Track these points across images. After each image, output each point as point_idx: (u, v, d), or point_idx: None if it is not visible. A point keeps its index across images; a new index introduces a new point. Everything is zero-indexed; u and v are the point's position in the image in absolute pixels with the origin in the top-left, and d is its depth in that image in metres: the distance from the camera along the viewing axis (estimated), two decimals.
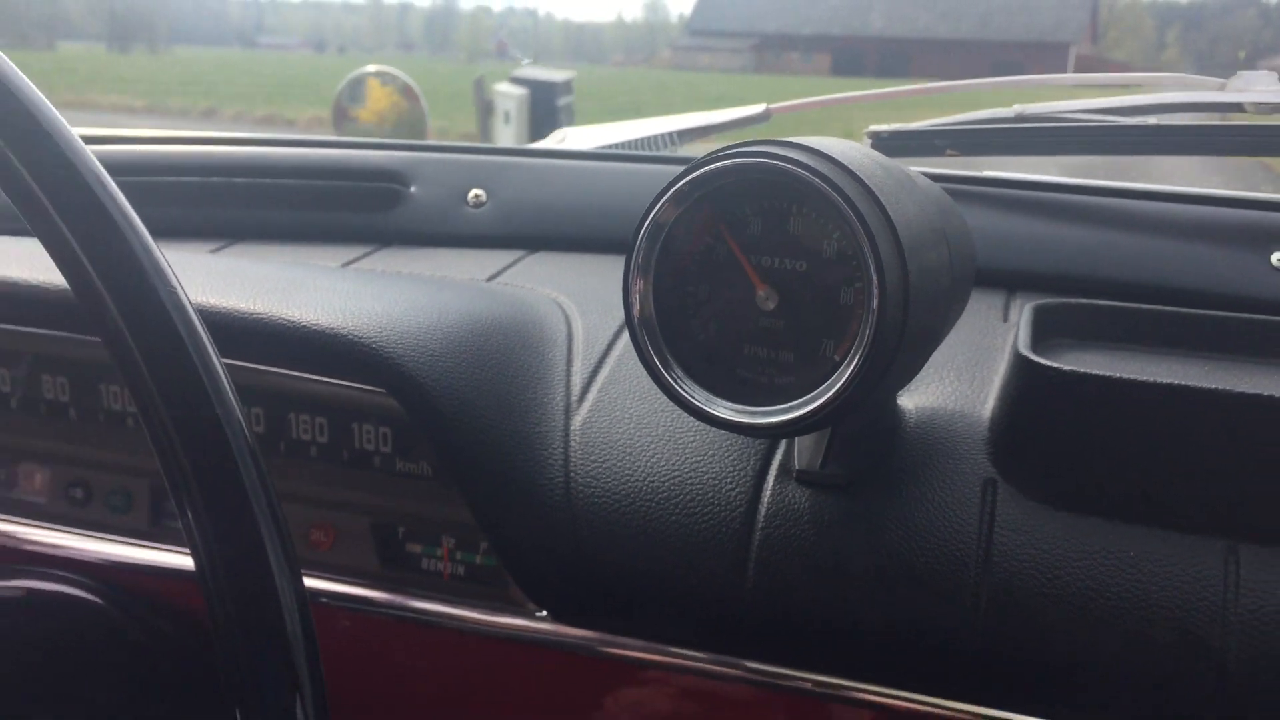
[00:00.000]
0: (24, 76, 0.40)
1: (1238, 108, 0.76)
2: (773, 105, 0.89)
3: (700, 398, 0.50)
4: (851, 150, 0.49)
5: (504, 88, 4.19)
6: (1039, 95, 0.80)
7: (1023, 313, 0.63)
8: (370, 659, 0.69)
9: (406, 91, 1.38)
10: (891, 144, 0.78)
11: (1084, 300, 0.67)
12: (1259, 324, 0.64)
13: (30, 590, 0.70)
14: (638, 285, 0.50)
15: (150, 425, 0.43)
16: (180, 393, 0.42)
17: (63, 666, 0.67)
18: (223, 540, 0.42)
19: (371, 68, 1.33)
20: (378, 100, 1.25)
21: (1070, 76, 0.91)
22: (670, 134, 0.92)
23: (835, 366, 0.47)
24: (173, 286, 0.43)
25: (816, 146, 0.47)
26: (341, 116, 1.27)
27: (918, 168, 0.82)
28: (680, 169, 0.50)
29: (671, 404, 0.52)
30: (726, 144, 0.50)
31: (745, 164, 0.47)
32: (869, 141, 0.80)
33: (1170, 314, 0.65)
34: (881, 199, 0.45)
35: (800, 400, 0.48)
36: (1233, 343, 0.64)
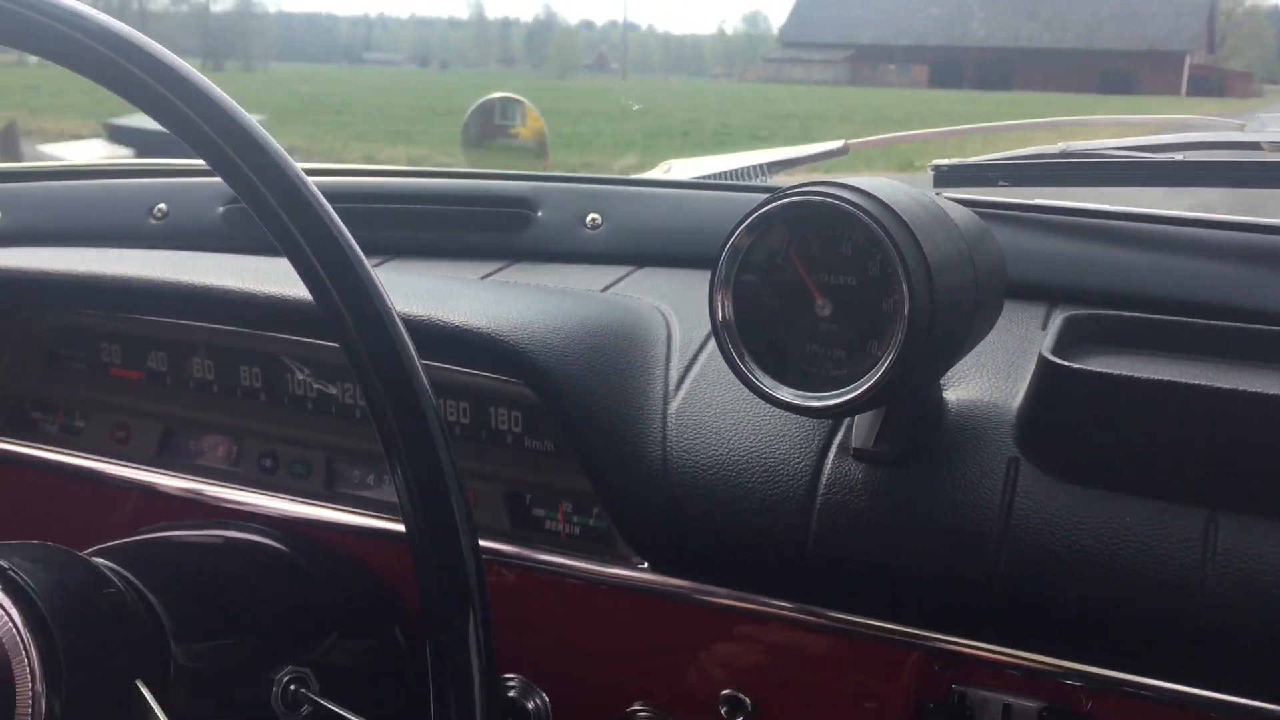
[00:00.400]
0: (268, 135, 0.53)
1: (1255, 146, 0.85)
2: (850, 141, 1.01)
3: (769, 385, 0.61)
4: (893, 189, 0.61)
5: None
6: (1080, 134, 0.90)
7: (1055, 321, 0.74)
8: (498, 602, 0.82)
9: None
10: (950, 175, 0.89)
11: (1110, 312, 0.77)
12: (1270, 333, 0.73)
13: (227, 538, 0.85)
14: (720, 295, 0.62)
15: (372, 405, 0.53)
16: (396, 383, 0.53)
17: (251, 599, 0.81)
18: (426, 494, 0.53)
19: (499, 95, 1.45)
20: (534, 120, 1.36)
21: (1113, 119, 1.00)
22: (761, 165, 1.04)
23: (877, 360, 0.59)
24: (386, 298, 0.53)
25: (864, 187, 0.59)
26: (497, 132, 1.37)
27: (973, 196, 0.93)
28: (759, 199, 0.62)
29: (748, 392, 0.64)
30: (799, 180, 0.62)
31: (807, 200, 0.59)
32: (931, 173, 0.91)
33: (1186, 324, 0.75)
34: (914, 230, 0.57)
35: (849, 388, 0.59)
36: (1244, 349, 0.73)
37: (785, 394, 0.61)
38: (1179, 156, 0.86)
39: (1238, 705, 0.61)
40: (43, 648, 0.57)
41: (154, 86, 0.48)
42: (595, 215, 1.04)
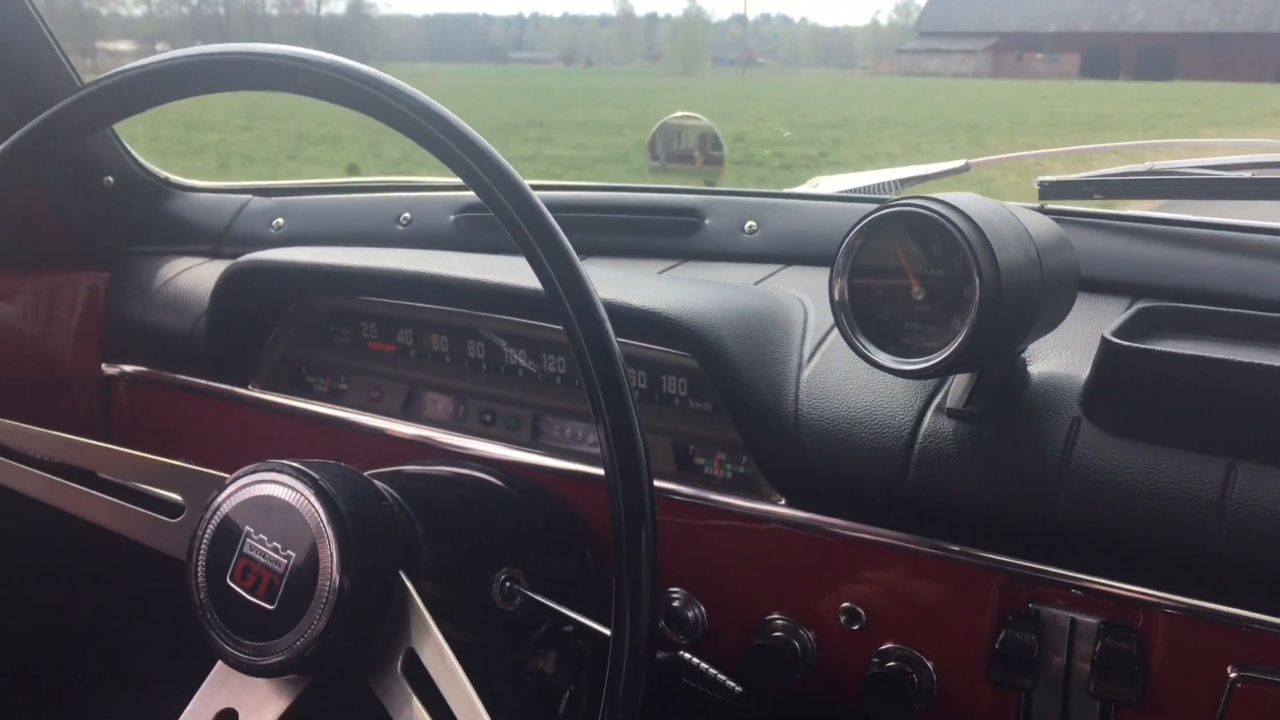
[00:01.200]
0: (507, 163, 0.71)
1: None
2: (971, 160, 1.15)
3: (873, 352, 0.76)
4: (976, 202, 0.75)
5: None
6: (1196, 153, 1.01)
7: (1128, 311, 0.87)
8: (666, 532, 0.98)
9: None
10: (1052, 189, 1.01)
11: (1174, 304, 0.89)
12: None
13: (458, 473, 1.02)
14: (838, 283, 0.77)
15: (588, 379, 0.63)
16: (600, 355, 0.63)
17: (477, 519, 0.97)
18: (620, 441, 0.63)
19: (680, 114, 1.56)
20: (712, 142, 1.47)
21: (1192, 142, 1.10)
22: (894, 181, 1.18)
23: (956, 335, 0.74)
24: (594, 289, 0.64)
25: (951, 201, 0.74)
26: (712, 162, 1.49)
27: (1072, 207, 1.05)
28: (871, 209, 0.78)
29: (860, 360, 0.80)
30: (908, 195, 0.78)
31: (905, 211, 0.74)
32: (1037, 187, 1.04)
33: (1237, 314, 0.86)
34: (986, 235, 0.71)
35: (934, 355, 0.74)
36: None
37: (885, 359, 0.76)
38: (1248, 174, 0.97)
39: (1260, 621, 0.73)
40: (339, 537, 0.71)
41: (433, 132, 0.67)
42: (753, 223, 1.18)
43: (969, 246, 0.71)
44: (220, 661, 0.75)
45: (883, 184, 1.19)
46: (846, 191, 1.23)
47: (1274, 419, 0.72)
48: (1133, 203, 1.01)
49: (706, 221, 1.20)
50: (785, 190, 1.23)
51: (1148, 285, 0.97)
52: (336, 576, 0.70)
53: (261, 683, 0.74)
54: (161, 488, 0.81)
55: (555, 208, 1.27)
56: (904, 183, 1.21)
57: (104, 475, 0.84)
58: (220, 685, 0.75)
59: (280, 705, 0.73)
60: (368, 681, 0.71)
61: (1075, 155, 1.11)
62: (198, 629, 0.73)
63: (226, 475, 0.77)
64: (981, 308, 0.71)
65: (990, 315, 0.71)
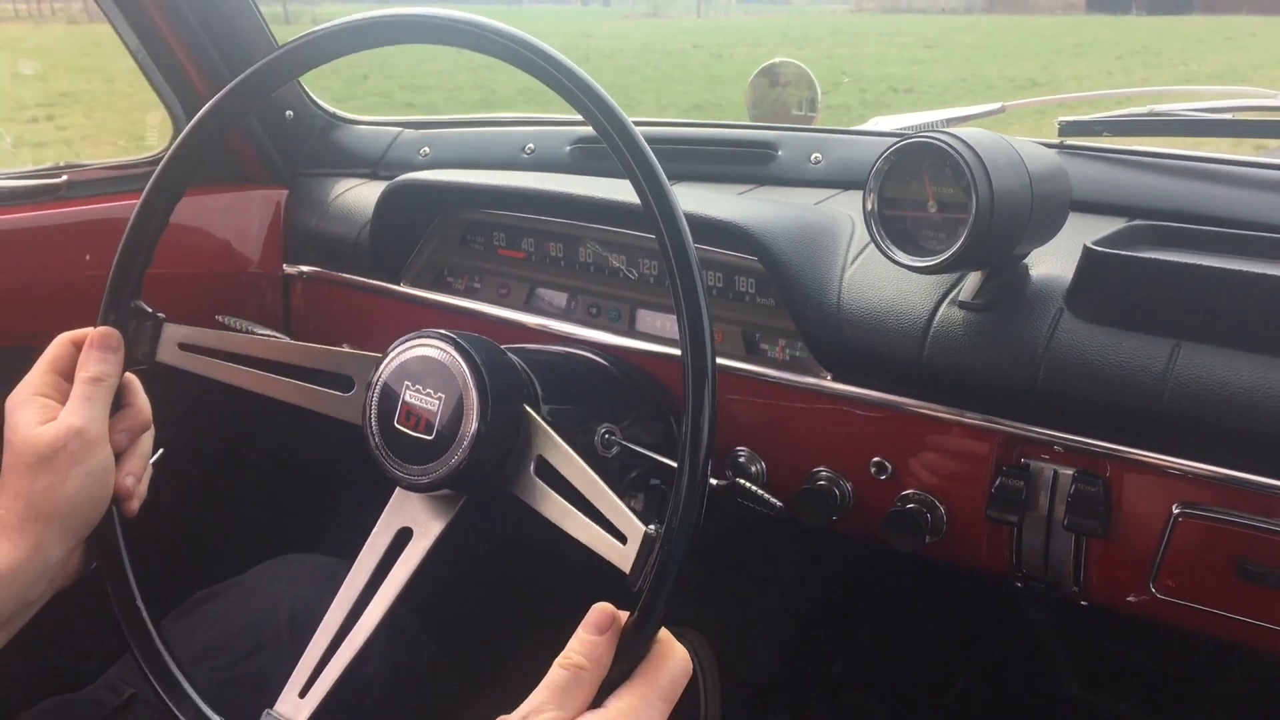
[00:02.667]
0: (614, 102, 0.88)
1: None
2: (1007, 103, 1.30)
3: (894, 252, 0.92)
4: (981, 135, 0.91)
5: None
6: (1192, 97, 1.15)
7: (1116, 227, 1.03)
8: (736, 403, 1.13)
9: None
10: (1069, 128, 1.17)
11: (1159, 223, 1.05)
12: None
13: (569, 353, 1.20)
14: (869, 197, 0.94)
15: (671, 276, 0.71)
16: (684, 263, 0.71)
17: (583, 387, 1.14)
18: (693, 329, 0.71)
19: (779, 60, 1.66)
20: (806, 83, 1.57)
21: (1189, 89, 1.23)
22: (940, 121, 1.34)
23: (959, 239, 0.91)
24: (678, 208, 0.73)
25: (958, 133, 0.90)
26: (777, 98, 1.62)
27: (1085, 143, 1.20)
28: (899, 140, 0.94)
29: (890, 263, 0.96)
30: (931, 129, 0.95)
31: (921, 142, 0.91)
32: (1058, 125, 1.19)
33: (1214, 231, 1.01)
34: (985, 161, 0.87)
35: (940, 255, 0.91)
36: (1267, 251, 0.97)
37: (903, 258, 0.93)
38: (1229, 116, 1.11)
39: (1197, 468, 0.89)
40: (478, 381, 0.83)
41: (562, 80, 0.79)
42: (818, 154, 1.34)
43: (969, 170, 0.87)
44: (396, 490, 0.89)
45: (930, 123, 1.35)
46: (899, 129, 1.40)
47: (1209, 307, 0.88)
48: (1138, 139, 1.16)
49: (779, 153, 1.37)
50: (847, 128, 1.40)
51: (1143, 208, 1.12)
52: (476, 410, 0.82)
53: (429, 504, 0.88)
54: (334, 370, 0.94)
55: (654, 140, 1.46)
56: (949, 122, 1.36)
57: (292, 364, 0.96)
58: (398, 510, 0.88)
59: (444, 520, 0.86)
60: (510, 488, 0.85)
61: (1095, 99, 1.26)
62: (376, 466, 0.87)
63: (381, 355, 0.90)
64: (977, 218, 0.87)
65: (984, 224, 0.88)
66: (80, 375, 0.86)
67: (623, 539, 0.76)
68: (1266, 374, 0.85)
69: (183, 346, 0.96)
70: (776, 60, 1.56)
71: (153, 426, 0.92)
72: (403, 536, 0.88)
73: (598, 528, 0.78)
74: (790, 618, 1.77)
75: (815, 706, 1.65)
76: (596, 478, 0.80)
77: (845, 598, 1.72)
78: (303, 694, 0.85)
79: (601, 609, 0.67)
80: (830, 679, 1.72)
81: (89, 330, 0.89)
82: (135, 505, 0.89)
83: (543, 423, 0.85)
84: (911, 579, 1.57)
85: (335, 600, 0.87)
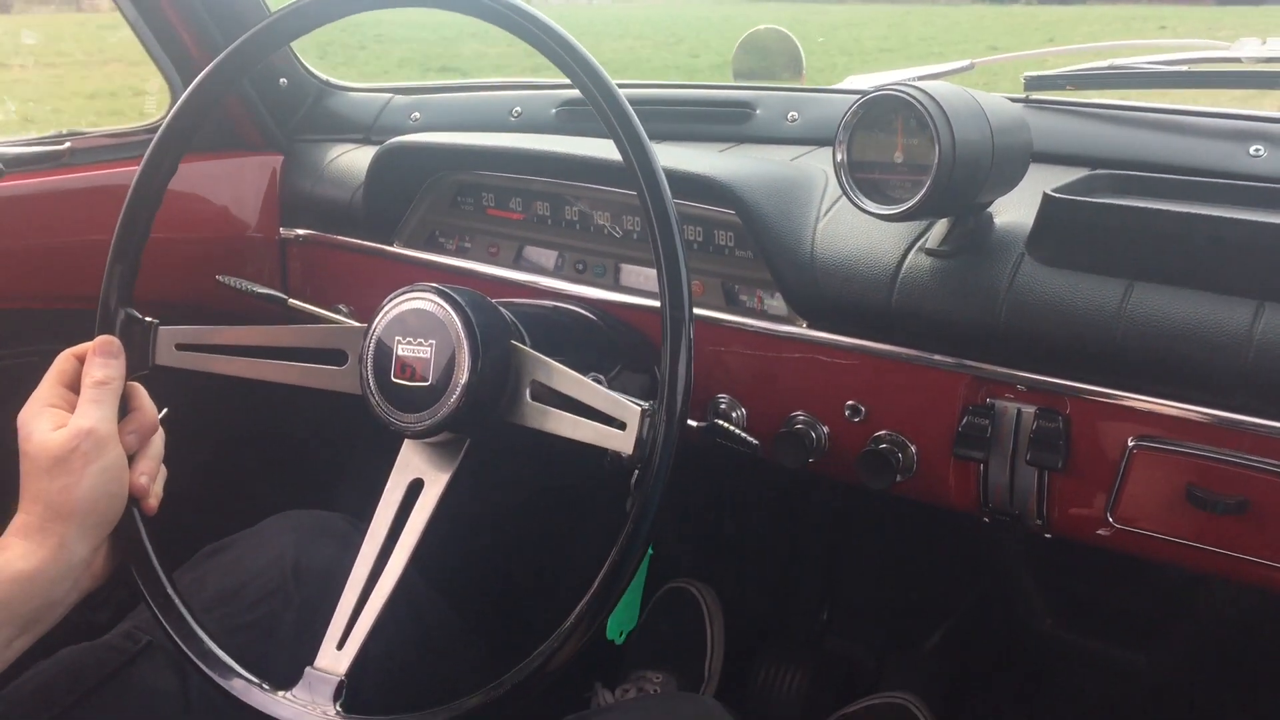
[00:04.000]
0: (599, 66, 0.92)
1: (1236, 60, 1.12)
2: (976, 60, 1.33)
3: (862, 201, 0.95)
4: (946, 89, 0.94)
5: None
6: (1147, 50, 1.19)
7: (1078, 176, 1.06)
8: (718, 353, 1.17)
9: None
10: (1034, 82, 1.19)
11: (1117, 171, 1.08)
12: (1236, 187, 1.02)
13: (557, 306, 1.23)
14: (839, 149, 0.96)
15: (650, 229, 0.79)
16: (663, 218, 0.78)
17: (571, 339, 1.17)
18: (671, 279, 0.79)
19: (764, 26, 1.59)
20: (792, 49, 1.52)
21: (1151, 43, 1.27)
22: (912, 79, 1.36)
23: (922, 188, 0.94)
24: (657, 166, 0.79)
25: (922, 87, 0.93)
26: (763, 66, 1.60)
27: (1050, 97, 1.24)
28: (868, 93, 0.97)
29: (861, 214, 0.99)
30: (898, 83, 0.98)
31: (888, 95, 0.94)
32: (1024, 80, 1.23)
33: (1168, 179, 1.05)
34: (947, 113, 0.91)
35: (905, 203, 0.95)
36: (1217, 196, 1.01)
37: (871, 206, 0.96)
38: (1184, 69, 1.14)
39: (1150, 401, 0.93)
40: (464, 322, 0.87)
41: (548, 43, 0.84)
42: (794, 113, 1.36)
43: (932, 121, 0.90)
44: (404, 444, 0.93)
45: (904, 80, 1.37)
46: (872, 87, 1.42)
47: (1158, 247, 0.92)
48: (1100, 93, 1.19)
49: (758, 112, 1.40)
50: (823, 86, 1.43)
51: (1104, 158, 1.15)
52: (468, 350, 0.86)
53: (435, 453, 0.92)
54: (327, 346, 0.97)
55: (637, 101, 1.49)
56: (920, 79, 1.38)
57: (286, 346, 1.00)
58: (407, 463, 0.92)
59: (451, 466, 0.90)
60: (510, 419, 0.90)
61: (1063, 54, 1.29)
62: (380, 423, 0.91)
63: (368, 326, 0.91)
64: (940, 168, 0.90)
65: (946, 175, 0.90)
66: (85, 382, 0.90)
67: (621, 425, 0.82)
68: (1211, 309, 0.89)
69: (179, 347, 0.99)
70: (760, 27, 1.58)
71: (161, 429, 0.96)
72: (415, 488, 0.92)
73: (598, 424, 0.84)
74: (777, 569, 1.82)
75: (804, 652, 1.70)
76: (587, 379, 0.86)
77: (828, 548, 1.76)
78: (340, 645, 0.89)
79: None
80: (817, 626, 1.77)
81: (89, 343, 0.94)
82: (154, 503, 0.93)
83: (530, 350, 0.90)
84: (889, 526, 1.62)
85: (359, 556, 0.91)
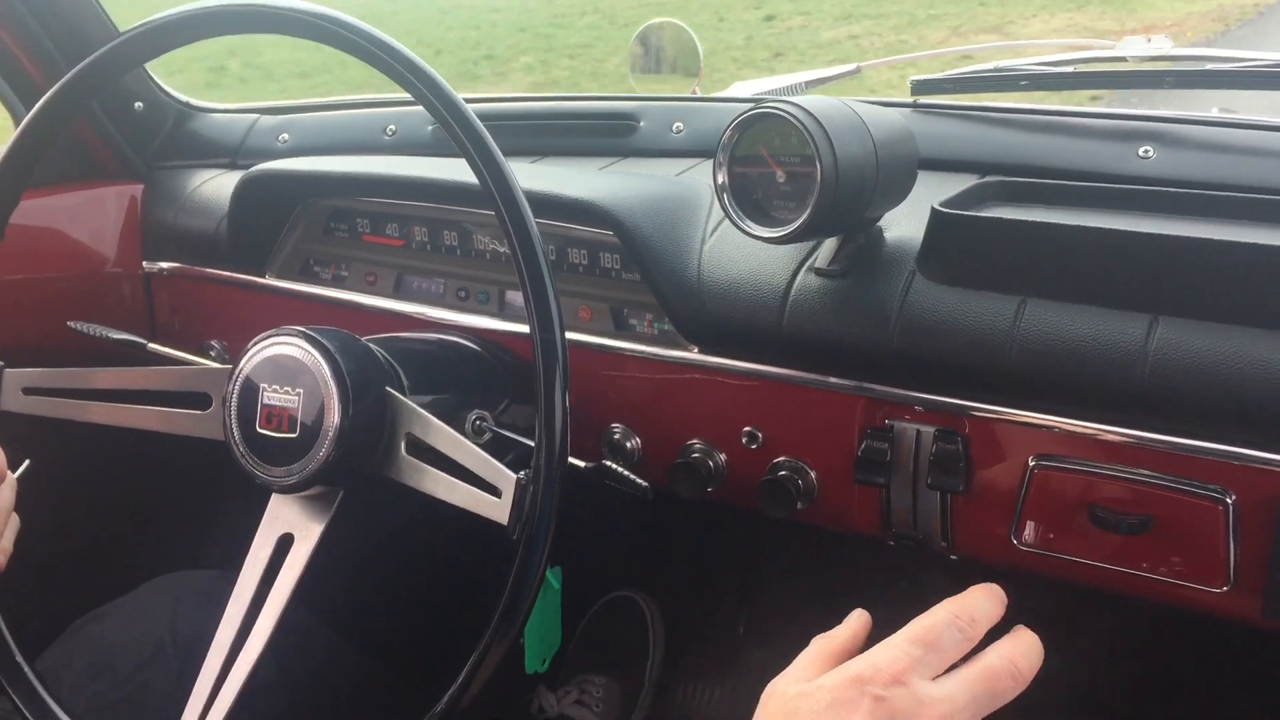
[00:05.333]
0: (447, 85, 0.86)
1: (1122, 59, 1.10)
2: (862, 64, 1.30)
3: (746, 224, 0.91)
4: (824, 103, 0.90)
5: None
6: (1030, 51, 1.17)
7: (966, 185, 1.03)
8: (607, 380, 1.12)
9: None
10: (921, 86, 1.16)
11: (1007, 179, 1.05)
12: (1127, 191, 1.00)
13: (439, 339, 1.17)
14: (719, 171, 0.92)
15: (513, 252, 0.76)
16: (524, 238, 0.75)
17: (453, 374, 1.11)
18: (539, 308, 0.76)
19: (659, 21, 1.62)
20: (689, 45, 1.52)
21: (1037, 43, 1.25)
22: (799, 84, 1.33)
23: (806, 208, 0.90)
24: (515, 182, 0.76)
25: (802, 103, 0.89)
26: (657, 60, 1.56)
27: (936, 101, 1.21)
28: (745, 109, 0.92)
29: (743, 234, 0.95)
30: (777, 98, 0.93)
31: (765, 111, 0.89)
32: (910, 84, 1.19)
33: (1060, 185, 1.02)
34: (827, 129, 0.86)
35: (790, 224, 0.90)
36: (1109, 201, 1.00)
37: (756, 229, 0.92)
38: (1070, 69, 1.12)
39: (1048, 421, 0.91)
40: (336, 376, 0.84)
41: (386, 60, 0.79)
42: (679, 124, 1.32)
43: (811, 139, 0.86)
44: (272, 497, 0.89)
45: (790, 86, 1.34)
46: (759, 94, 1.38)
47: (1053, 263, 0.89)
48: (987, 95, 1.16)
49: (641, 124, 1.35)
50: (708, 95, 1.38)
51: (994, 163, 1.12)
52: (337, 400, 0.84)
53: (306, 506, 0.88)
54: (189, 390, 0.93)
55: (513, 116, 1.43)
56: (809, 84, 1.35)
57: (145, 389, 0.96)
58: (276, 517, 0.88)
59: (323, 519, 0.87)
60: (384, 472, 0.86)
61: (954, 56, 1.26)
62: (245, 476, 0.87)
63: (232, 368, 0.89)
64: (823, 187, 0.86)
65: (830, 193, 0.87)
66: None
67: (497, 492, 0.80)
68: (1105, 325, 0.87)
69: (27, 391, 0.93)
70: (655, 21, 1.53)
71: (11, 477, 0.89)
72: (284, 543, 0.88)
73: (473, 489, 0.81)
74: (694, 583, 1.79)
75: (719, 667, 1.67)
76: (465, 440, 0.83)
77: (744, 559, 1.73)
78: (203, 717, 0.83)
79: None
80: (734, 640, 1.75)
81: None
82: (1, 560, 0.87)
83: (407, 401, 0.87)
84: (802, 539, 1.59)
85: (224, 617, 0.86)
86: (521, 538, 0.77)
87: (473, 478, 0.82)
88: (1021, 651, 0.65)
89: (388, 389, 0.88)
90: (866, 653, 0.63)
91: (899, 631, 0.63)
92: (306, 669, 1.11)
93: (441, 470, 0.84)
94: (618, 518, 1.76)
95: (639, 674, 1.68)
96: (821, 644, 0.66)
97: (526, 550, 0.76)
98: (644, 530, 1.80)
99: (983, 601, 0.66)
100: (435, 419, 0.85)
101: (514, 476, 0.78)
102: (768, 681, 0.65)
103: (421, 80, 0.80)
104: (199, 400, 0.92)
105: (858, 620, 0.69)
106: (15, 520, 0.89)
